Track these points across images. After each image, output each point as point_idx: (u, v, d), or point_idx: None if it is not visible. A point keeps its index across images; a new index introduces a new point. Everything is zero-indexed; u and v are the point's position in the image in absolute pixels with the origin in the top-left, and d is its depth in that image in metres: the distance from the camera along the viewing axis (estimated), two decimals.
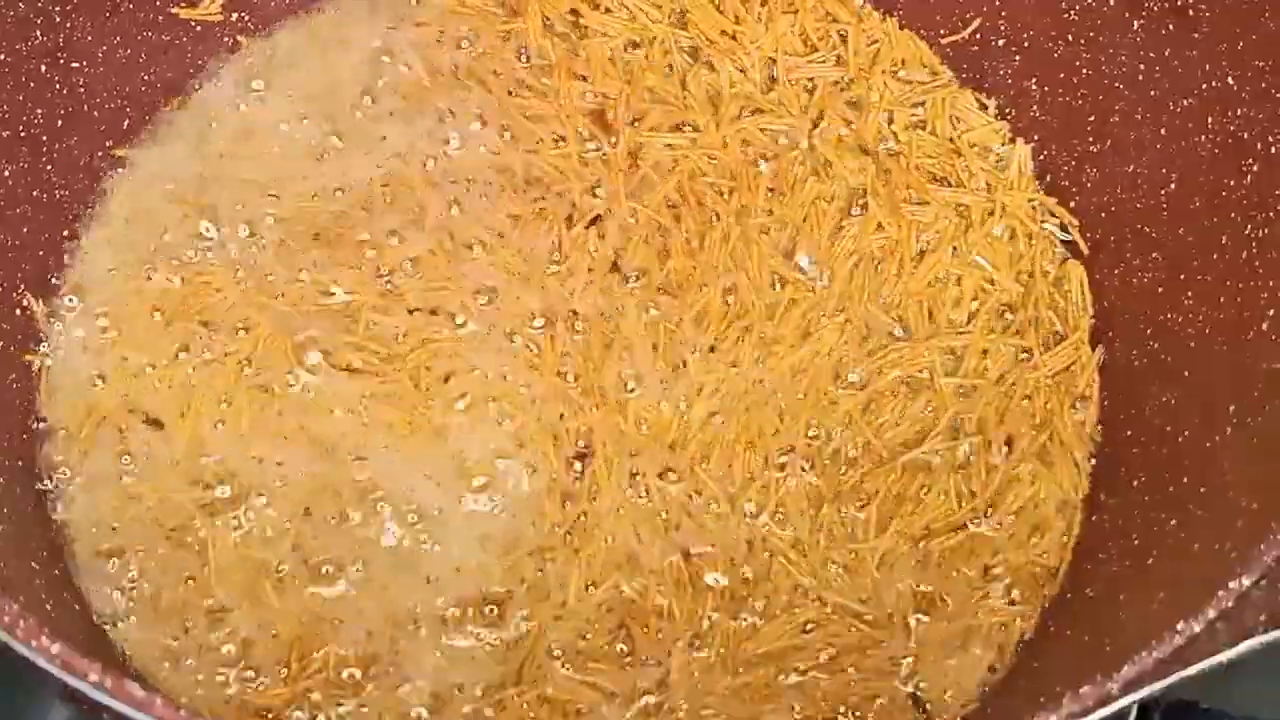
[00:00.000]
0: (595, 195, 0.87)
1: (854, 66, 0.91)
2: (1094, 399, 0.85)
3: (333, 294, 0.85)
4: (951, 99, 0.91)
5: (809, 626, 0.79)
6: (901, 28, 0.92)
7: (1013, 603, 0.80)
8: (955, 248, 0.88)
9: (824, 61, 0.91)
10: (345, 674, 0.77)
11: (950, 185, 0.89)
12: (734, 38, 0.91)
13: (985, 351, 0.85)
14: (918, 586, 0.80)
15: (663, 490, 0.81)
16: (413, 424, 0.82)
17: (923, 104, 0.91)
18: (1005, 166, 0.90)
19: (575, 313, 0.85)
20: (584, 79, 0.90)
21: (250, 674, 0.76)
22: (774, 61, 0.91)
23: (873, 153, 0.89)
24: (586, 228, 0.86)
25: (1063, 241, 0.89)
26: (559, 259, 0.86)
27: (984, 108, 0.91)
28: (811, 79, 0.91)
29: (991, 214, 0.89)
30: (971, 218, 0.88)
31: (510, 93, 0.89)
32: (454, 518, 0.80)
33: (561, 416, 0.82)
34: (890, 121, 0.90)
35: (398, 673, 0.77)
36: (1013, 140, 0.91)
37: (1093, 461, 0.84)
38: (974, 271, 0.87)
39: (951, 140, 0.90)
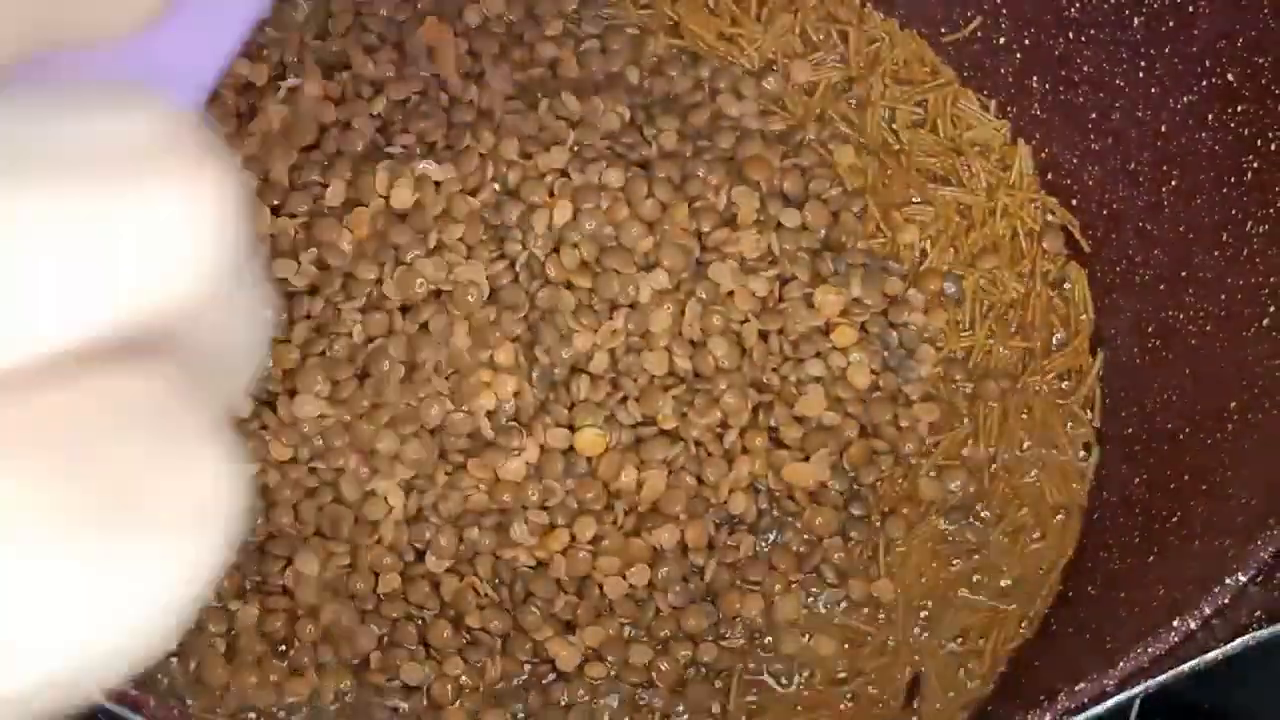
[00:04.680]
0: None
1: (854, 66, 0.91)
2: (1095, 401, 0.84)
3: None
4: (952, 98, 0.91)
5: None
6: (902, 27, 0.92)
7: (1012, 603, 0.80)
8: (956, 248, 0.87)
9: (824, 62, 0.91)
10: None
11: (951, 185, 0.89)
12: (731, 40, 0.91)
13: (987, 353, 0.85)
14: (915, 586, 0.80)
15: None
16: None
17: (924, 103, 0.91)
18: (1006, 166, 0.90)
19: None
20: None
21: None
22: (773, 62, 0.91)
23: (873, 153, 0.89)
24: None
25: (1064, 240, 0.88)
26: None
27: (985, 107, 0.91)
28: (811, 79, 0.91)
29: (993, 214, 0.88)
30: (973, 218, 0.88)
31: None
32: None
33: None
34: (891, 121, 0.90)
35: None
36: (1014, 140, 0.91)
37: (1093, 461, 0.83)
38: (974, 273, 0.87)
39: (952, 140, 0.90)
